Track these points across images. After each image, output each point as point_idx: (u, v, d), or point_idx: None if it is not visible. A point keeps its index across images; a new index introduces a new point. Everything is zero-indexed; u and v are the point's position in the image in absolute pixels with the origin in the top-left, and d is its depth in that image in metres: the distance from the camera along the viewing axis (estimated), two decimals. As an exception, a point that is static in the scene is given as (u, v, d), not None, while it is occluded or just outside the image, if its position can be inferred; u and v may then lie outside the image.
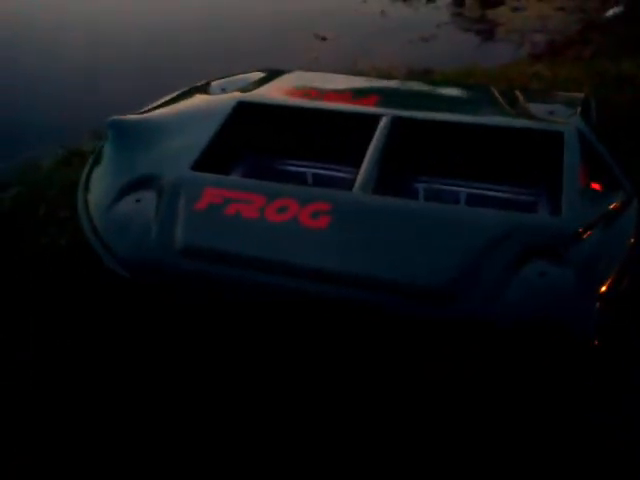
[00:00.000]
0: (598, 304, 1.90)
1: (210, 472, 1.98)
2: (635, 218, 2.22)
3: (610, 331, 1.93)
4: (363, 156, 2.39)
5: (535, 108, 2.67)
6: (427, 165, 2.71)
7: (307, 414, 2.13)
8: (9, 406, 2.21)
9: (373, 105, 2.65)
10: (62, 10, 7.06)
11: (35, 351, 2.40)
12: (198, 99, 2.83)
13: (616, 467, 1.93)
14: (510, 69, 5.08)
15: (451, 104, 2.81)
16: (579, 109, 2.64)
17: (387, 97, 2.78)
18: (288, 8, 7.20)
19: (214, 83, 2.97)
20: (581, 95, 2.90)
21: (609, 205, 2.22)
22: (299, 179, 2.79)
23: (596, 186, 2.28)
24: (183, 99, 2.85)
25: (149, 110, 2.79)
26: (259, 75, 3.04)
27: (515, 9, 6.87)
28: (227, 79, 3.03)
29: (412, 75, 5.12)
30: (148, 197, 2.32)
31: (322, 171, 2.81)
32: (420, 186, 2.73)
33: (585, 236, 2.05)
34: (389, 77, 3.77)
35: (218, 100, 2.76)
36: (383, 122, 2.51)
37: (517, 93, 2.84)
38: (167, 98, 2.92)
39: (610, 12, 6.32)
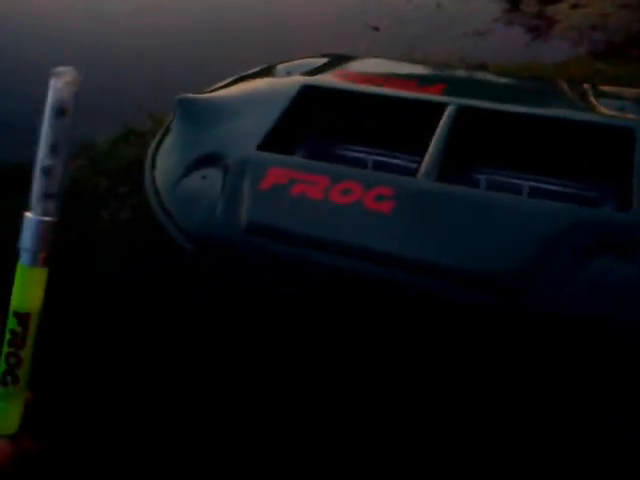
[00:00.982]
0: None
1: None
2: None
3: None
4: (426, 144, 2.39)
5: (604, 103, 2.63)
6: (491, 156, 2.69)
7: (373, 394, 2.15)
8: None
9: (438, 93, 2.64)
10: None
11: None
12: (264, 81, 2.86)
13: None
14: (569, 66, 4.99)
15: (518, 95, 2.78)
16: (645, 104, 2.59)
17: (453, 86, 2.77)
18: (340, -2, 7.21)
19: (280, 66, 2.99)
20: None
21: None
22: (360, 164, 2.80)
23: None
24: (249, 80, 2.89)
25: (215, 90, 2.84)
26: (324, 60, 3.05)
27: (574, 5, 6.73)
28: (292, 63, 3.05)
29: (466, 68, 5.08)
30: (214, 174, 2.36)
31: (383, 158, 2.81)
32: (482, 177, 2.71)
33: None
34: (457, 67, 3.74)
35: (284, 83, 2.79)
36: (449, 111, 2.50)
37: (585, 88, 2.79)
38: (232, 79, 2.96)
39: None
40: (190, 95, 2.69)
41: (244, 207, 2.25)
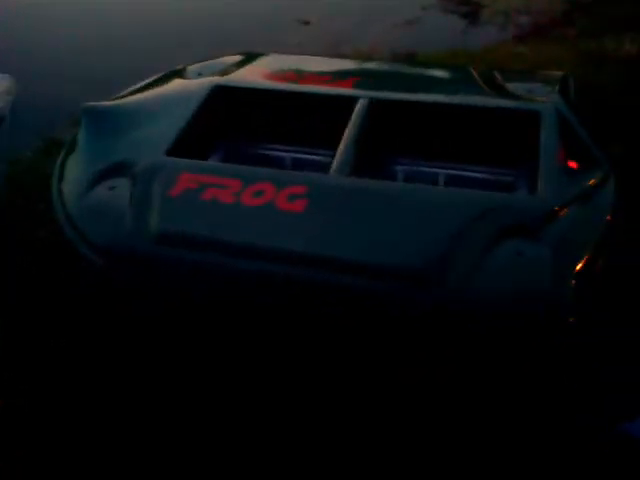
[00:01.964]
0: (574, 282, 1.90)
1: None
2: (612, 196, 2.22)
3: (587, 309, 1.93)
4: (341, 139, 2.38)
5: (513, 88, 2.66)
6: (406, 147, 2.69)
7: (287, 403, 2.12)
8: None
9: (350, 87, 2.63)
10: None
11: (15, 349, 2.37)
12: (174, 84, 2.79)
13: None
14: (494, 51, 5.05)
15: (429, 85, 2.79)
16: (557, 88, 2.63)
17: (364, 79, 2.76)
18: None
19: (190, 67, 2.93)
20: (560, 74, 2.89)
21: (586, 184, 2.21)
22: (277, 163, 2.76)
23: (573, 165, 2.28)
24: (159, 84, 2.82)
25: (124, 96, 2.76)
26: (236, 59, 3.00)
27: (500, -10, 6.82)
28: (203, 63, 2.99)
29: (396, 59, 5.09)
30: (122, 184, 2.29)
31: (301, 155, 2.78)
32: (399, 168, 2.71)
33: (562, 215, 2.04)
34: (369, 60, 3.72)
35: (194, 84, 2.73)
36: (360, 104, 2.49)
37: (495, 73, 2.82)
38: (142, 83, 2.88)
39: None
40: (95, 103, 2.60)
41: (154, 216, 2.19)
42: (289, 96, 2.67)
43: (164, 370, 2.22)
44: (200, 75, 2.83)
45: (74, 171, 2.43)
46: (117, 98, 2.74)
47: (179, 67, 2.98)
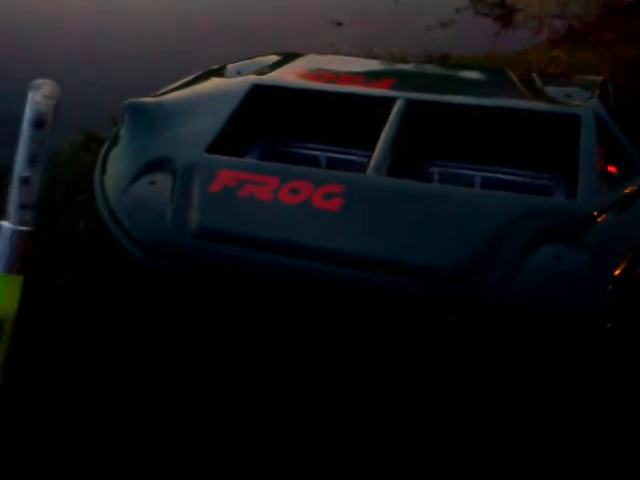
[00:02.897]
0: (612, 287, 1.89)
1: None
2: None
3: (625, 314, 1.92)
4: (377, 139, 2.39)
5: (552, 91, 2.65)
6: (442, 149, 2.70)
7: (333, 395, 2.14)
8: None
9: (387, 88, 2.65)
10: None
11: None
12: (214, 82, 2.84)
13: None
14: (528, 54, 5.03)
15: (466, 87, 2.79)
16: (597, 92, 2.61)
17: (402, 80, 2.77)
18: (303, -7, 7.19)
19: (230, 66, 2.98)
20: (599, 78, 2.87)
21: (625, 189, 2.20)
22: (313, 162, 2.79)
23: (613, 170, 2.26)
24: (199, 82, 2.87)
25: (165, 93, 2.81)
26: (274, 58, 3.04)
27: (534, -6, 6.77)
28: (242, 62, 3.03)
29: (429, 61, 5.09)
30: (163, 179, 2.34)
31: (336, 154, 2.81)
32: (435, 170, 2.72)
33: (600, 220, 2.03)
34: (405, 61, 3.73)
35: (233, 83, 2.77)
36: (397, 105, 2.51)
37: (534, 76, 2.81)
38: (183, 81, 2.93)
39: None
40: (139, 99, 2.66)
41: (193, 212, 2.23)
42: (326, 96, 2.70)
43: (202, 366, 2.26)
44: (239, 74, 2.88)
45: (116, 165, 2.49)
46: (158, 95, 2.80)
47: (218, 66, 3.03)
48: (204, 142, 2.44)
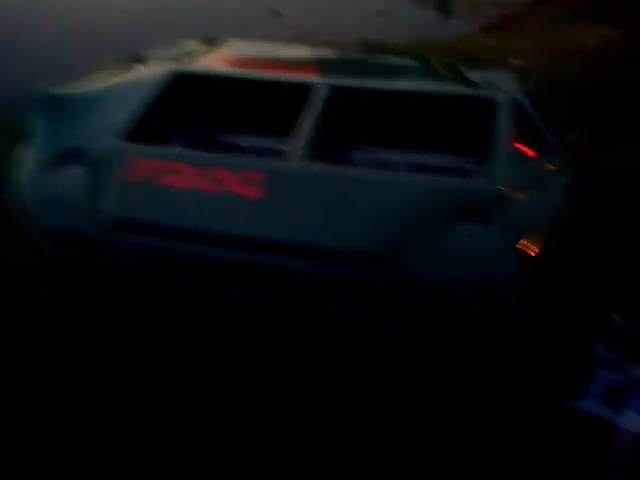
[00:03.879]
0: (522, 264, 1.94)
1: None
2: (563, 183, 2.26)
3: (535, 289, 1.97)
4: (299, 125, 2.38)
5: (473, 77, 2.68)
6: (366, 134, 2.71)
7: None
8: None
9: (310, 74, 2.62)
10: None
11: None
12: (132, 70, 2.75)
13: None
14: (462, 42, 5.09)
15: (389, 73, 2.79)
16: (515, 77, 2.65)
17: (324, 66, 2.75)
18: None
19: (148, 53, 2.89)
20: (519, 64, 2.92)
21: (539, 170, 2.26)
22: (236, 150, 2.76)
23: (527, 151, 2.31)
24: (116, 70, 2.78)
25: (80, 83, 2.72)
26: (195, 45, 2.97)
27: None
28: (162, 49, 2.95)
29: (365, 49, 5.09)
30: (77, 171, 2.27)
31: (260, 141, 2.78)
32: (359, 155, 2.73)
33: (513, 199, 2.08)
34: (330, 47, 3.68)
35: (152, 71, 2.69)
36: (319, 90, 2.48)
37: (456, 63, 2.84)
38: (100, 69, 2.84)
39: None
40: (49, 90, 2.56)
41: (111, 202, 2.18)
42: (248, 82, 2.65)
43: (120, 356, 2.21)
44: (158, 61, 2.80)
45: (28, 158, 2.40)
46: (73, 84, 2.70)
47: (136, 53, 2.94)
48: (122, 131, 2.37)
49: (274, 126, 2.71)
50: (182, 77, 2.63)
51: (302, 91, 2.52)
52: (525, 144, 2.34)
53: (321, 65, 2.76)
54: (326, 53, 3.01)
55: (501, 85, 2.60)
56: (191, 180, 2.21)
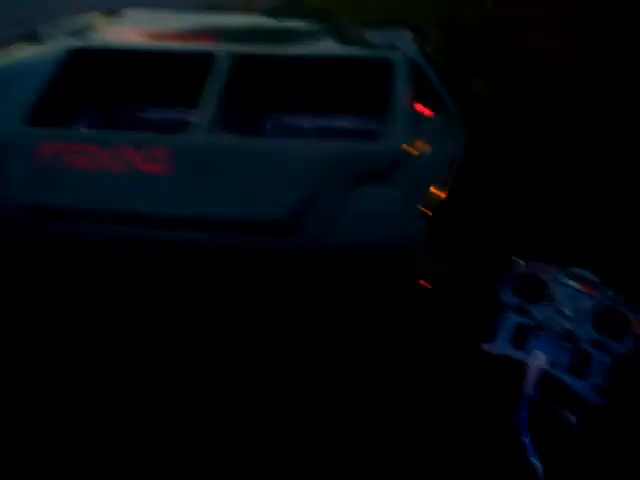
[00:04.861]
0: (423, 223, 2.05)
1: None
2: (460, 141, 2.37)
3: (437, 248, 2.09)
4: (204, 97, 2.37)
5: (371, 37, 2.72)
6: (272, 101, 2.72)
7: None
8: None
9: (208, 42, 2.60)
10: None
11: None
12: (24, 48, 2.64)
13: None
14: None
15: (291, 37, 2.79)
16: (412, 36, 2.71)
17: (223, 33, 2.72)
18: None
19: (42, 30, 2.77)
20: (416, 23, 2.98)
21: (436, 129, 2.35)
22: (145, 125, 2.73)
23: (423, 111, 2.40)
24: (7, 49, 2.66)
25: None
26: (91, 18, 2.87)
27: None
28: (55, 24, 2.83)
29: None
30: None
31: (165, 115, 2.76)
32: (268, 123, 2.75)
33: (411, 159, 2.17)
34: (227, 13, 3.55)
35: (47, 48, 2.59)
36: (221, 60, 2.47)
37: (353, 24, 2.88)
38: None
39: None
40: None
41: (14, 187, 2.15)
42: (150, 55, 2.62)
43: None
44: (53, 37, 2.70)
45: None
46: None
47: (28, 30, 2.81)
48: (21, 115, 2.31)
49: (183, 99, 2.68)
50: (81, 53, 2.56)
51: (205, 61, 2.50)
52: (422, 104, 2.42)
53: (224, 33, 2.73)
54: (229, 20, 2.98)
55: (397, 43, 2.64)
56: (97, 161, 2.20)
